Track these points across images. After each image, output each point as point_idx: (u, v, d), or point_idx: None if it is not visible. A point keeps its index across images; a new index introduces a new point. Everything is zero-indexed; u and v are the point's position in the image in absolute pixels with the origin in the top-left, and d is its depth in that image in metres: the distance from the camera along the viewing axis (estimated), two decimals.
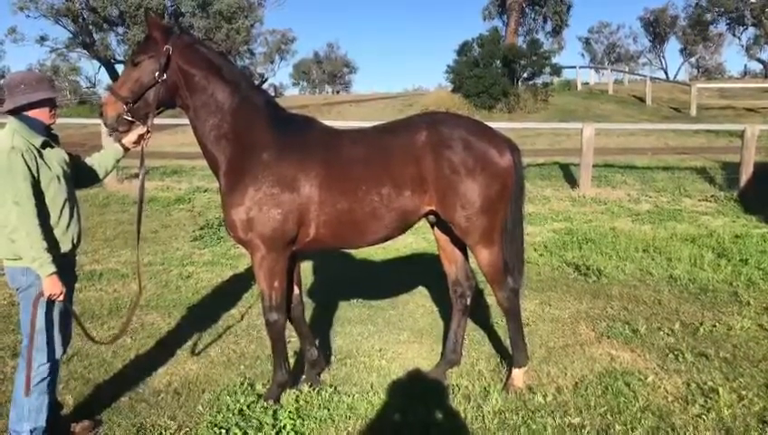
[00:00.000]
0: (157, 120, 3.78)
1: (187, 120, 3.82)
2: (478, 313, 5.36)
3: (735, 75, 53.88)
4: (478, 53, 24.52)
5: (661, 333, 5.10)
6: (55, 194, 3.28)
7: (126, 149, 3.76)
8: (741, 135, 11.00)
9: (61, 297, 3.26)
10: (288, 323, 4.03)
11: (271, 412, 3.78)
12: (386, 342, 5.04)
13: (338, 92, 58.91)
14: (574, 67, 32.71)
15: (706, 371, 4.39)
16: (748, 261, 6.91)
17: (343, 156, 3.74)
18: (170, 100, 3.66)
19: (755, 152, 10.78)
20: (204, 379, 4.38)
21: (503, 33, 27.68)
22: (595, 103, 25.47)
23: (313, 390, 4.06)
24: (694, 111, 22.45)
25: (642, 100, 25.67)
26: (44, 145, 3.27)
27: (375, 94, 40.61)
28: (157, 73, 3.53)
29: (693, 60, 58.15)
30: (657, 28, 55.58)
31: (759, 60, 46.00)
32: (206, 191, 11.32)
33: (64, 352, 3.55)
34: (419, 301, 6.01)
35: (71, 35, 31.26)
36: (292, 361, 4.41)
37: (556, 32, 33.56)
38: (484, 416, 3.78)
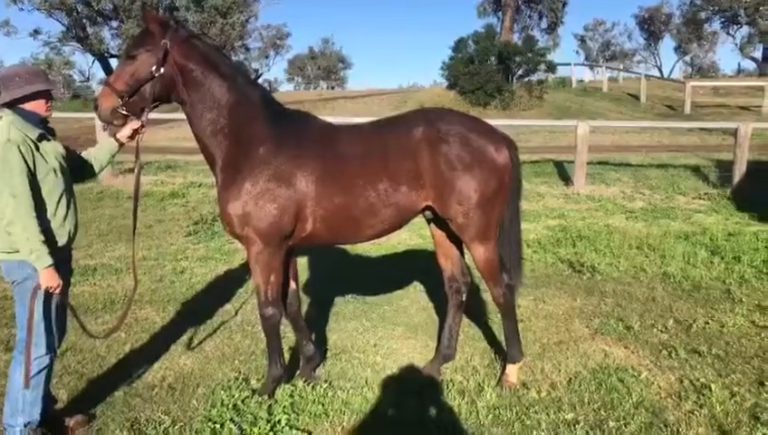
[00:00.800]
0: (151, 115, 3.76)
1: (182, 115, 3.81)
2: (473, 309, 5.38)
3: (729, 74, 54.04)
4: (473, 49, 24.49)
5: (655, 329, 5.13)
6: (52, 187, 3.27)
7: (121, 144, 3.76)
8: (734, 133, 11.05)
9: (58, 290, 3.26)
10: (283, 319, 4.03)
11: (265, 407, 3.79)
12: (381, 337, 5.05)
13: (333, 88, 58.65)
14: (569, 64, 32.96)
15: (699, 367, 4.42)
16: (741, 258, 6.95)
17: (340, 151, 3.74)
18: (166, 94, 3.64)
19: (748, 150, 10.84)
20: (198, 374, 4.38)
21: (498, 30, 27.71)
22: (590, 101, 25.57)
23: (308, 385, 4.07)
24: (688, 109, 22.51)
25: (637, 97, 25.77)
26: (41, 138, 3.26)
27: (370, 90, 40.45)
28: (154, 68, 3.51)
29: (687, 58, 58.22)
30: (651, 26, 55.60)
31: (752, 58, 46.12)
32: (200, 186, 11.29)
33: (59, 345, 3.54)
34: (414, 297, 6.02)
35: (64, 29, 31.00)
36: (286, 356, 4.42)
37: (551, 29, 33.62)
38: (478, 411, 3.80)
